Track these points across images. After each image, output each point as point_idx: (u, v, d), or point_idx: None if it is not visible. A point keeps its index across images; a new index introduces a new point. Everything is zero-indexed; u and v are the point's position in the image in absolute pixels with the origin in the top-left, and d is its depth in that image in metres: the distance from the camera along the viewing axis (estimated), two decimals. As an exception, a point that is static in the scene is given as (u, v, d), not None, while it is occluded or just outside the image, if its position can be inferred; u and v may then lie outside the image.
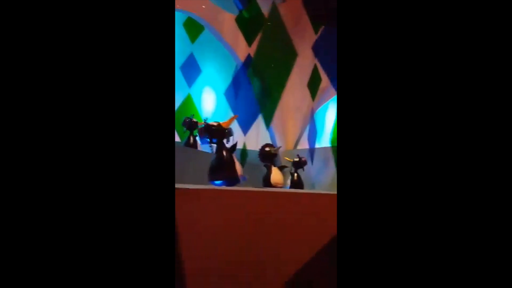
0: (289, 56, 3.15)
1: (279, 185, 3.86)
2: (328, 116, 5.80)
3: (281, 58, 3.11)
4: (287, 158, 4.40)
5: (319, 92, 4.79)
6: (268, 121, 3.11)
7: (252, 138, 4.40)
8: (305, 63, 4.55)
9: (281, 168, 3.99)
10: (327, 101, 5.59)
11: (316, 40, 3.15)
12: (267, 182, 3.88)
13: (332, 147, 4.21)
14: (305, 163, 4.32)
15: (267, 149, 3.88)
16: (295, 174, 4.38)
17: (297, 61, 4.08)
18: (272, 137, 4.93)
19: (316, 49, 3.10)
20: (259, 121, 5.05)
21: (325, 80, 4.70)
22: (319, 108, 5.43)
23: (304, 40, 4.38)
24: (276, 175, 3.84)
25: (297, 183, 4.43)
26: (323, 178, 4.73)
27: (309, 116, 4.37)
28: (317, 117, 5.52)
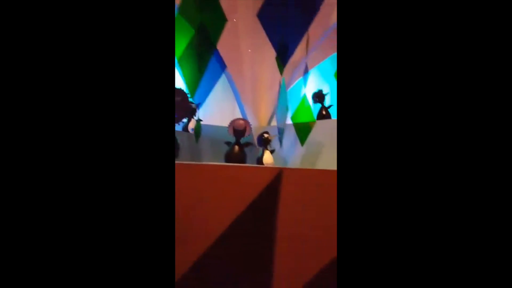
0: (217, 22, 2.98)
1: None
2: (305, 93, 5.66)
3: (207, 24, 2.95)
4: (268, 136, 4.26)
5: (291, 67, 4.64)
6: (191, 93, 2.97)
7: (213, 112, 4.31)
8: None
9: (246, 145, 3.92)
10: (302, 77, 5.47)
11: (262, 7, 2.97)
12: (229, 158, 3.83)
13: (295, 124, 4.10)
14: (268, 140, 4.22)
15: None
16: (265, 152, 4.30)
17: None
18: (242, 112, 4.80)
19: (261, 17, 2.93)
20: (226, 96, 4.92)
21: (297, 54, 4.55)
22: (294, 84, 5.31)
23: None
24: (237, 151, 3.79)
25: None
26: (294, 155, 4.63)
27: (279, 91, 4.23)
28: (292, 93, 5.40)
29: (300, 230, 2.01)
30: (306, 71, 4.24)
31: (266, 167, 2.07)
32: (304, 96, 4.15)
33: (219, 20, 3.01)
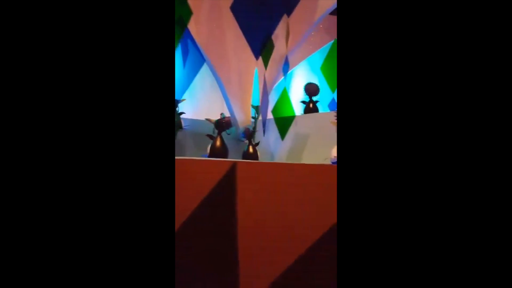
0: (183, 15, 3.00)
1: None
2: (294, 87, 5.65)
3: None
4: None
5: (277, 61, 4.63)
6: None
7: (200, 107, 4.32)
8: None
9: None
10: (290, 71, 5.45)
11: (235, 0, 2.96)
12: (211, 152, 3.85)
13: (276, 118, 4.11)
14: (252, 133, 4.25)
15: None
16: (250, 146, 4.32)
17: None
18: (229, 107, 4.79)
19: (235, 10, 2.92)
20: (211, 89, 4.92)
21: (281, 48, 4.54)
22: (282, 79, 5.30)
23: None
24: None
25: (251, 155, 4.36)
26: (280, 149, 4.64)
27: (266, 85, 4.23)
28: (280, 87, 5.39)
29: (260, 225, 2.00)
30: (286, 65, 4.23)
31: (218, 161, 2.07)
32: (285, 90, 4.15)
33: (187, 13, 3.03)
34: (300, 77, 5.76)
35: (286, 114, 4.13)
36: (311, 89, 4.99)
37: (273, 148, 4.72)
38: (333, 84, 4.60)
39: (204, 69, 4.34)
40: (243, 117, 5.00)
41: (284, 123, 4.00)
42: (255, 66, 4.28)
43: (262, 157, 4.61)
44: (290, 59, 5.06)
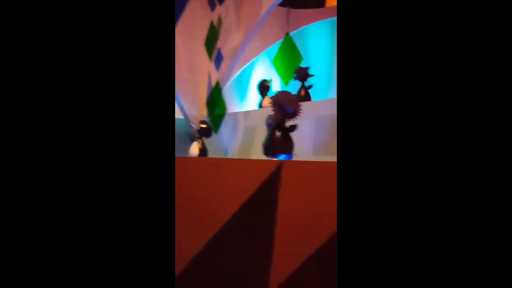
0: None
1: None
2: (253, 81, 5.59)
3: None
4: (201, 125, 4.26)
5: (233, 54, 4.56)
6: None
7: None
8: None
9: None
10: (249, 63, 5.37)
11: None
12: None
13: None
14: (208, 131, 4.21)
15: None
16: (199, 142, 4.29)
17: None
18: (178, 102, 4.74)
19: None
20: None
21: (234, 42, 4.48)
22: (239, 72, 5.23)
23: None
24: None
25: (201, 151, 4.33)
26: (232, 145, 4.60)
27: (211, 79, 4.17)
28: (239, 81, 5.33)
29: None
30: (219, 58, 4.15)
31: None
32: (217, 85, 4.07)
33: None
34: (261, 71, 5.70)
35: (219, 111, 4.08)
36: (262, 87, 4.97)
37: (227, 143, 4.68)
38: (285, 77, 4.54)
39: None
40: (197, 114, 4.95)
41: (216, 119, 3.96)
42: (211, 61, 4.21)
43: (218, 153, 4.57)
44: (245, 53, 5.00)
